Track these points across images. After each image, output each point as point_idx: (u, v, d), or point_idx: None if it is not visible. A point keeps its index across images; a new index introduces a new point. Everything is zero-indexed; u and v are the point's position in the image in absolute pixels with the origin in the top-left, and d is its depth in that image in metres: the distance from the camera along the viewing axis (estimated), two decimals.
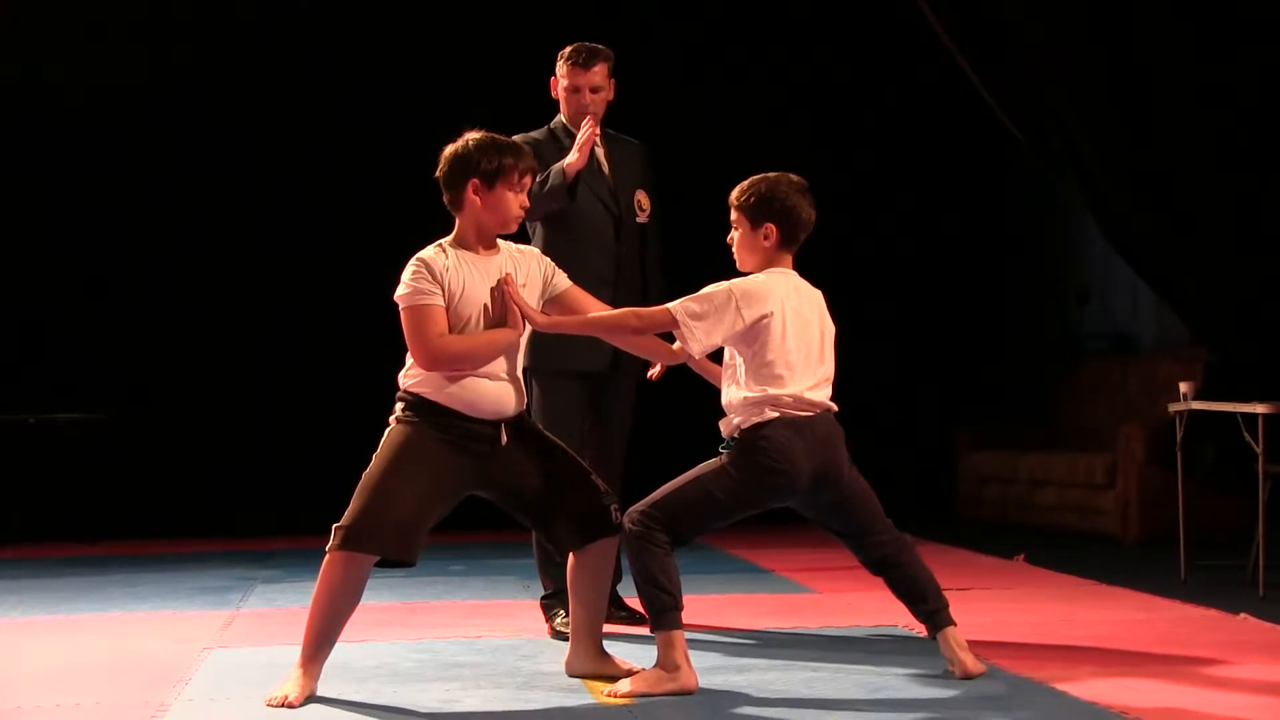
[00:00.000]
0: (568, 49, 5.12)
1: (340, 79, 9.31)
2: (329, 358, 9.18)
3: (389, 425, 4.10)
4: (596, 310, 4.26)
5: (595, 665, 4.24)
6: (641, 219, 5.18)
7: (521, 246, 4.25)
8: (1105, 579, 6.24)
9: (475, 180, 4.05)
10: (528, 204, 4.16)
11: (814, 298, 4.19)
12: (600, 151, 5.15)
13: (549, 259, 4.29)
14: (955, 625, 4.20)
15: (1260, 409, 5.69)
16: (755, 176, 4.20)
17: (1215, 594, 5.69)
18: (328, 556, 4.00)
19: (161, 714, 3.87)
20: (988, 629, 4.91)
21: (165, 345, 9.16)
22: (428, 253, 4.05)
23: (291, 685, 3.98)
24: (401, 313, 4.02)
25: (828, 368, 4.15)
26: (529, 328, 4.11)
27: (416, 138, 9.13)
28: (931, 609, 4.19)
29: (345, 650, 4.26)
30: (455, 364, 3.99)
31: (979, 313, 9.88)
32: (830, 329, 4.20)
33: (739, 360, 4.09)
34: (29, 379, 9.02)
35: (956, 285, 9.87)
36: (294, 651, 4.11)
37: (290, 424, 9.18)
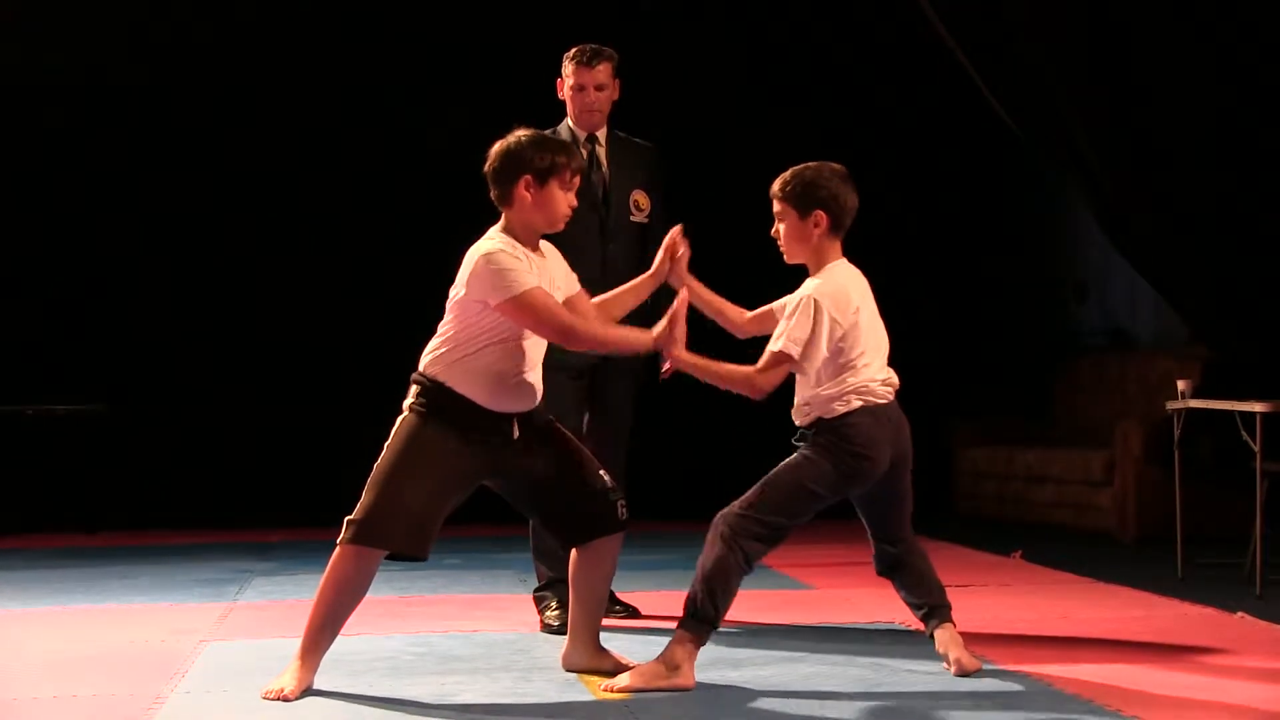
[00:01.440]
0: (573, 49, 5.17)
1: (342, 72, 9.30)
2: (328, 351, 9.18)
3: (403, 411, 4.07)
4: (586, 308, 4.23)
5: (592, 660, 4.24)
6: (638, 218, 5.20)
7: (546, 245, 4.23)
8: (1102, 576, 6.25)
9: (528, 176, 4.04)
10: (575, 203, 4.15)
11: (866, 283, 4.20)
12: (601, 151, 5.18)
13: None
14: (954, 623, 4.21)
15: (1258, 407, 5.69)
16: (796, 167, 4.19)
17: (1212, 592, 5.70)
18: (339, 549, 4.00)
19: (158, 706, 3.87)
20: (984, 625, 4.91)
21: (163, 337, 9.17)
22: (497, 243, 4.00)
23: (288, 678, 3.98)
24: (513, 305, 3.94)
25: (887, 349, 4.20)
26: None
27: (420, 134, 9.23)
28: (932, 605, 4.21)
29: (342, 643, 4.26)
30: (588, 344, 4.05)
31: (978, 307, 9.88)
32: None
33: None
34: (27, 370, 9.00)
35: (955, 280, 9.87)
36: (291, 644, 4.11)
37: (289, 417, 9.17)
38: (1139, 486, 7.73)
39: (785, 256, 4.22)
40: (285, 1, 9.31)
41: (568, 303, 4.17)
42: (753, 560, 4.04)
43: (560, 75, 5.19)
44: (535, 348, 4.09)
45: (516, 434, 4.09)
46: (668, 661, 4.00)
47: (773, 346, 4.06)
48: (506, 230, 4.09)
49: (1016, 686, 4.02)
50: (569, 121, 5.20)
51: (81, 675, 4.32)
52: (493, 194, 4.11)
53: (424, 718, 3.74)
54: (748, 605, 5.50)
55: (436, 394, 4.03)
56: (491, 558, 6.93)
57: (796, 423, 4.14)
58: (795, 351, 4.02)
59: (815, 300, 4.05)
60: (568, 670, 4.26)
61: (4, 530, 8.41)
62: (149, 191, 9.23)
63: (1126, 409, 8.26)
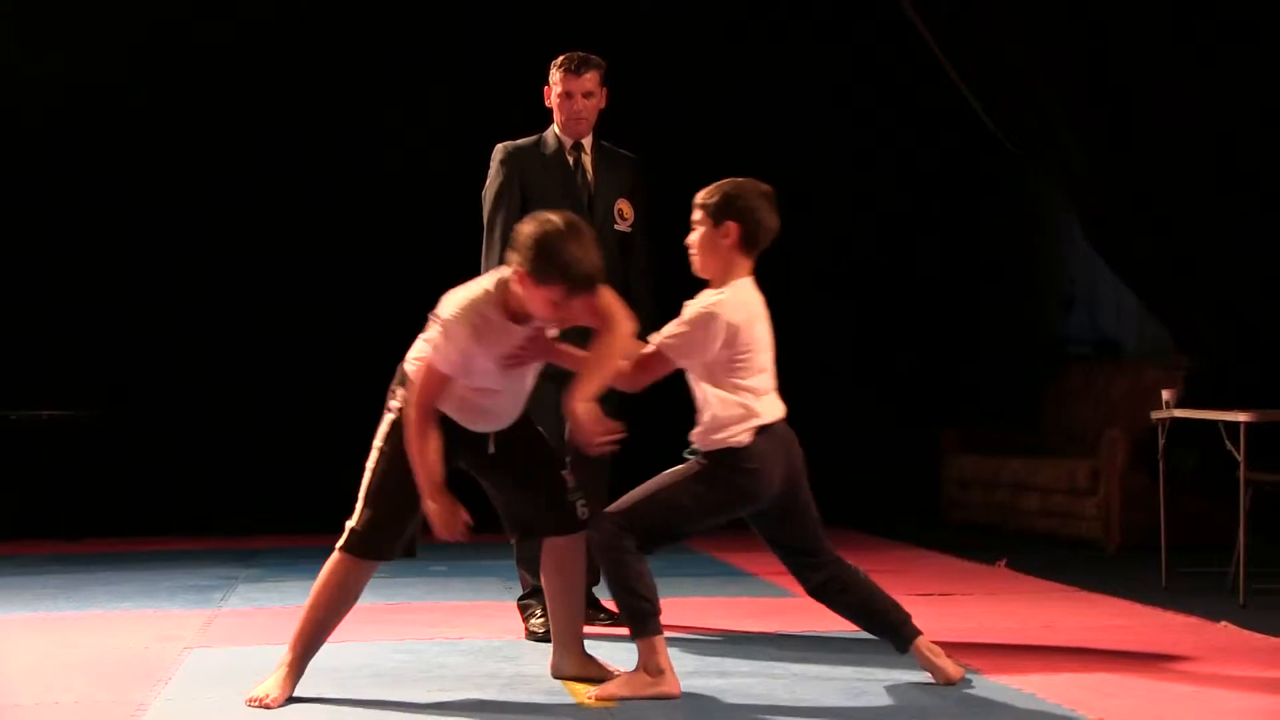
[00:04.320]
0: (561, 57, 5.16)
1: (345, 76, 9.28)
2: (316, 361, 9.16)
3: (387, 410, 4.08)
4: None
5: (579, 668, 4.24)
6: (622, 227, 5.19)
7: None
8: (1087, 585, 6.25)
9: (523, 272, 3.89)
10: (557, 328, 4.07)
11: (763, 308, 4.14)
12: (587, 159, 5.19)
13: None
14: (923, 634, 4.18)
15: (1242, 417, 5.70)
16: (722, 180, 4.17)
17: (1196, 601, 5.70)
18: (337, 555, 4.02)
19: (141, 713, 3.87)
20: (969, 634, 4.92)
21: (151, 345, 9.14)
22: (477, 296, 3.94)
23: (272, 684, 3.98)
24: (425, 362, 3.94)
25: (772, 375, 4.16)
26: None
27: (419, 145, 9.22)
28: (894, 623, 4.18)
29: (327, 650, 4.25)
30: (410, 428, 3.94)
31: (965, 317, 9.90)
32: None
33: (708, 372, 4.06)
34: (13, 376, 8.98)
35: (944, 289, 9.89)
36: (276, 651, 4.11)
37: (276, 426, 9.16)
38: (1124, 495, 7.74)
39: (695, 266, 4.15)
40: (291, 6, 9.28)
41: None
42: (641, 546, 4.00)
43: (547, 83, 5.19)
44: (511, 381, 4.06)
45: (492, 449, 4.11)
46: (650, 669, 4.00)
47: (653, 337, 4.02)
48: (503, 286, 3.96)
49: (1000, 695, 4.02)
50: (555, 129, 5.21)
51: (65, 681, 4.31)
52: (511, 257, 3.96)
53: None
54: (731, 613, 5.52)
55: None
56: (477, 565, 6.92)
57: (692, 442, 4.09)
58: (665, 348, 3.98)
59: (710, 311, 3.99)
60: (556, 678, 4.25)
61: None
62: (144, 197, 9.19)
63: (1112, 418, 8.26)
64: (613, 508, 4.06)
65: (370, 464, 4.07)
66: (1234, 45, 7.01)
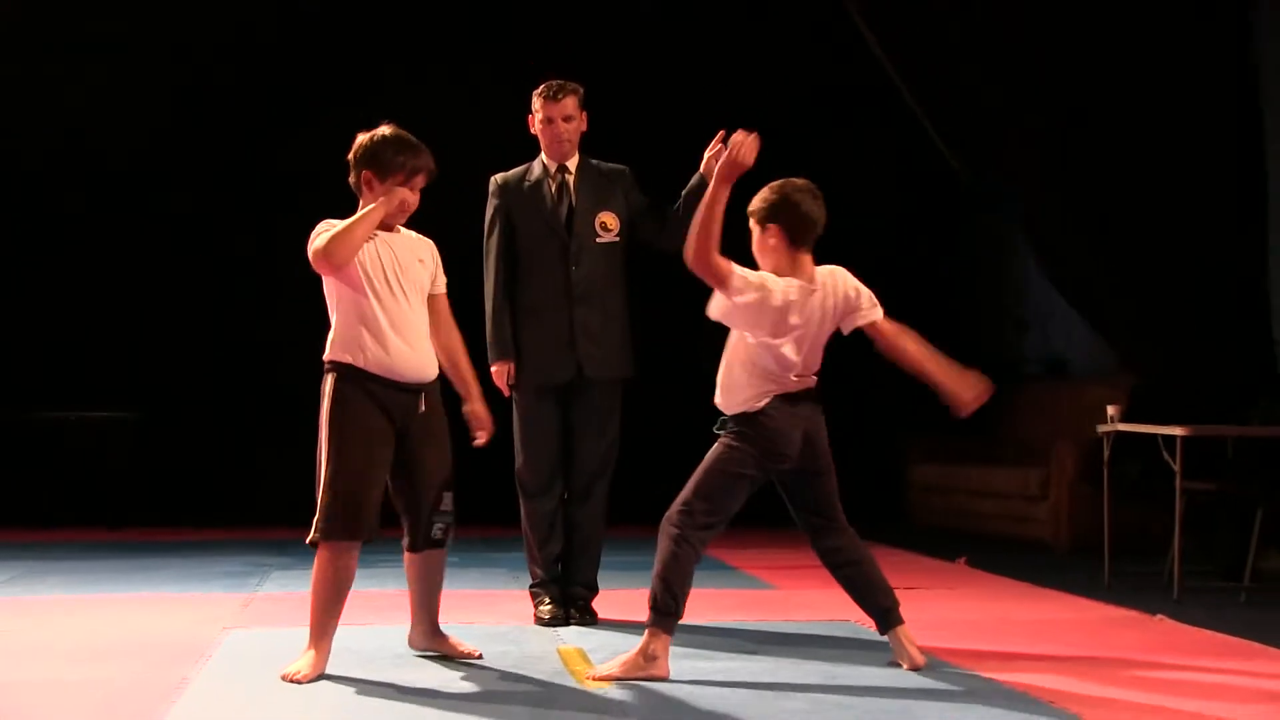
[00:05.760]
0: (541, 85, 5.09)
1: (363, 82, 9.02)
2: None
3: (322, 398, 4.03)
4: (441, 308, 4.20)
5: (430, 643, 4.28)
6: (605, 239, 5.08)
7: (409, 234, 4.18)
8: (1038, 581, 6.26)
9: (367, 172, 4.01)
10: (417, 202, 4.09)
11: (822, 296, 4.12)
12: (570, 179, 5.11)
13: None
14: (904, 623, 4.21)
15: (1178, 431, 5.70)
16: (768, 184, 4.14)
17: (1136, 597, 5.71)
18: (318, 549, 4.02)
19: (184, 687, 3.86)
20: (932, 625, 4.91)
21: (189, 352, 9.11)
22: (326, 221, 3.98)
23: (304, 663, 3.97)
24: (312, 250, 3.92)
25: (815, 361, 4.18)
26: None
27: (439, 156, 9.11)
28: (885, 607, 4.20)
29: (352, 634, 4.25)
30: (337, 249, 3.87)
31: (929, 338, 9.84)
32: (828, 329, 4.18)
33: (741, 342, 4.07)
34: (68, 382, 8.97)
35: (909, 313, 9.82)
36: (306, 633, 4.09)
37: (301, 426, 9.11)
38: (1072, 501, 7.74)
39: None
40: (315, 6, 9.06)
41: (431, 300, 4.14)
42: (700, 548, 4.04)
43: (530, 112, 5.13)
44: (393, 307, 4.00)
45: (423, 407, 4.06)
46: (645, 653, 3.99)
47: (735, 267, 3.97)
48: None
49: (960, 681, 4.01)
50: (542, 155, 5.13)
51: (115, 658, 4.30)
52: (350, 179, 4.06)
53: (424, 701, 3.73)
54: (717, 605, 5.50)
55: (346, 374, 4.00)
56: (486, 557, 6.91)
57: (721, 408, 4.12)
58: (738, 282, 3.94)
59: (760, 275, 4.01)
60: (412, 649, 4.29)
61: (46, 525, 8.37)
62: (174, 213, 9.09)
63: (1062, 431, 8.26)
64: (678, 502, 4.06)
65: (320, 455, 4.02)
66: (1176, 77, 6.99)
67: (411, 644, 4.34)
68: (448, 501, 4.15)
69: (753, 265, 4.12)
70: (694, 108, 9.02)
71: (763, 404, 4.06)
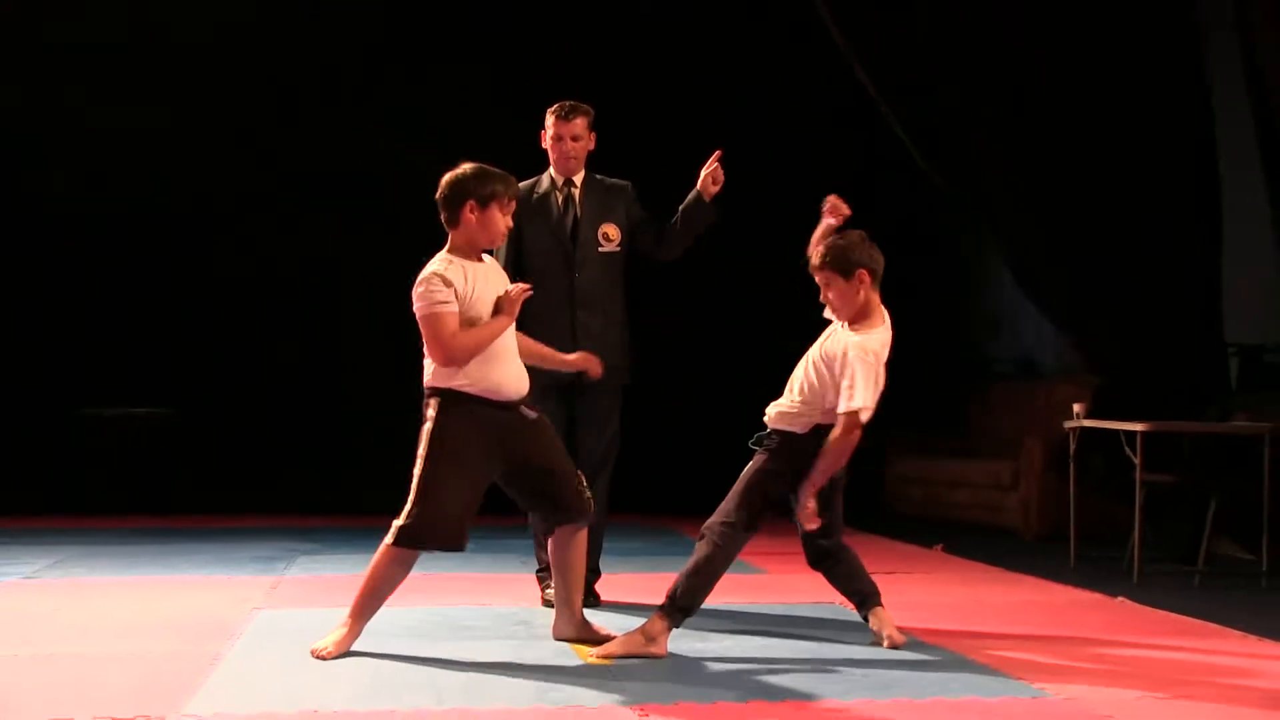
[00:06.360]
0: (555, 105, 5.13)
1: (377, 82, 8.93)
2: (364, 364, 9.02)
3: (424, 422, 4.03)
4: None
5: (577, 631, 4.27)
6: (607, 248, 5.11)
7: (488, 259, 4.21)
8: (1009, 566, 6.29)
9: (471, 202, 4.04)
10: (511, 224, 4.16)
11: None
12: (576, 193, 5.14)
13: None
14: (883, 605, 4.28)
15: (1139, 427, 5.76)
16: (824, 243, 4.19)
17: (1099, 580, 5.75)
18: (386, 548, 4.00)
19: (217, 662, 3.91)
20: (910, 607, 4.94)
21: (225, 354, 9.06)
22: (436, 267, 4.01)
23: (332, 641, 4.02)
24: (420, 321, 3.97)
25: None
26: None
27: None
28: (865, 592, 4.28)
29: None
30: (469, 356, 3.95)
31: (907, 339, 9.79)
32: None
33: (824, 381, 4.11)
34: (114, 381, 8.96)
35: (891, 316, 9.82)
36: (330, 614, 4.14)
37: (329, 420, 9.15)
38: (1040, 492, 7.77)
39: (837, 315, 4.18)
40: (342, 8, 8.86)
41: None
42: (734, 558, 4.14)
43: (543, 128, 5.17)
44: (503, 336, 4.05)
45: (534, 415, 4.10)
46: (646, 633, 4.05)
47: (848, 407, 4.01)
48: (452, 249, 4.07)
49: (937, 657, 4.07)
50: (550, 169, 5.17)
51: (154, 635, 4.35)
52: (442, 217, 4.08)
53: (438, 676, 3.77)
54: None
55: (450, 399, 4.00)
56: (499, 542, 6.94)
57: (772, 424, 4.17)
58: (867, 410, 4.03)
59: (878, 354, 4.11)
60: (558, 640, 4.28)
61: (91, 512, 8.40)
62: (223, 221, 8.99)
63: (1031, 427, 8.29)
64: (720, 512, 4.15)
65: (416, 471, 4.01)
66: (1143, 89, 7.02)
67: (556, 634, 4.29)
68: (578, 474, 4.21)
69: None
70: (693, 108, 8.87)
71: (809, 430, 4.13)
